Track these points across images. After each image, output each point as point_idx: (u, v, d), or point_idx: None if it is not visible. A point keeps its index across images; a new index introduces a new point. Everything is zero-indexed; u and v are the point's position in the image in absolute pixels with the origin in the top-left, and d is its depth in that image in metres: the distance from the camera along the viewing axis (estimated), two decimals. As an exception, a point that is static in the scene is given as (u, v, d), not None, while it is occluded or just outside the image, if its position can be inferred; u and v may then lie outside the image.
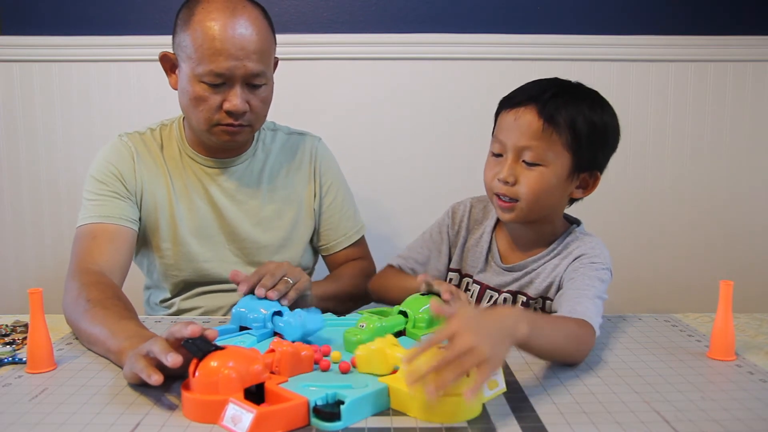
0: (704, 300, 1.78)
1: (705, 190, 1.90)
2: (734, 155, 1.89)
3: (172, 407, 0.77)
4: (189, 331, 0.77)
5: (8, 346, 1.00)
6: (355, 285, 1.30)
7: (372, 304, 1.33)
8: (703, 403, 0.78)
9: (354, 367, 0.85)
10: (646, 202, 1.90)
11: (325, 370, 0.85)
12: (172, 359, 0.75)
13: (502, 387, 0.79)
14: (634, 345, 0.99)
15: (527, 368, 0.89)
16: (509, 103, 1.07)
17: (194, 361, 0.75)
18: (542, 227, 1.12)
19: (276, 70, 1.26)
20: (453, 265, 1.21)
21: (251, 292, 1.02)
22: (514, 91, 1.09)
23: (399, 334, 0.99)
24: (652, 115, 1.87)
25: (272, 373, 0.80)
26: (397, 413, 0.75)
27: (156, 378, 0.76)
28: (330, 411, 0.71)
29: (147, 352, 0.79)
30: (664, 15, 1.82)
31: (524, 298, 1.12)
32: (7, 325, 1.11)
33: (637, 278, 1.92)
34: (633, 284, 1.92)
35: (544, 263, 1.11)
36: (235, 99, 1.14)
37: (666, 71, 1.85)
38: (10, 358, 0.93)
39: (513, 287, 1.13)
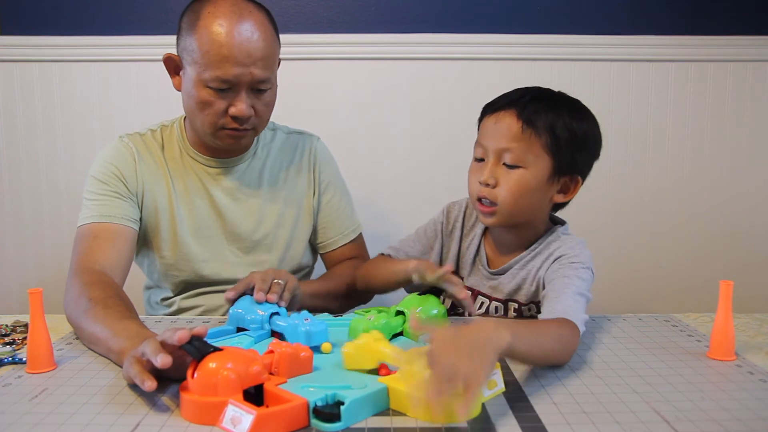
0: (704, 300, 1.77)
1: (705, 190, 1.90)
2: (734, 155, 1.89)
3: (171, 408, 0.77)
4: (177, 338, 0.76)
5: (8, 346, 1.00)
6: (348, 283, 1.30)
7: (368, 304, 1.33)
8: (703, 403, 0.78)
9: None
10: (646, 201, 1.90)
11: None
12: (162, 360, 0.75)
13: (501, 387, 0.80)
14: (634, 345, 0.99)
15: (527, 368, 0.89)
16: (490, 108, 1.10)
17: (193, 362, 0.75)
18: (526, 232, 1.13)
19: (277, 70, 1.26)
20: None
21: (237, 299, 1.03)
22: (496, 98, 1.11)
23: (397, 334, 0.99)
24: (652, 115, 1.87)
25: (271, 374, 0.80)
26: (397, 413, 0.75)
27: (149, 384, 0.76)
28: (330, 412, 0.71)
29: (141, 354, 0.79)
30: (664, 15, 1.82)
31: (516, 305, 1.12)
32: (7, 325, 1.11)
33: (637, 278, 1.92)
34: (633, 284, 1.92)
35: (527, 264, 1.11)
36: (241, 104, 1.15)
37: (666, 71, 1.85)
38: (10, 358, 0.93)
39: (501, 294, 1.13)
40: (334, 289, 1.28)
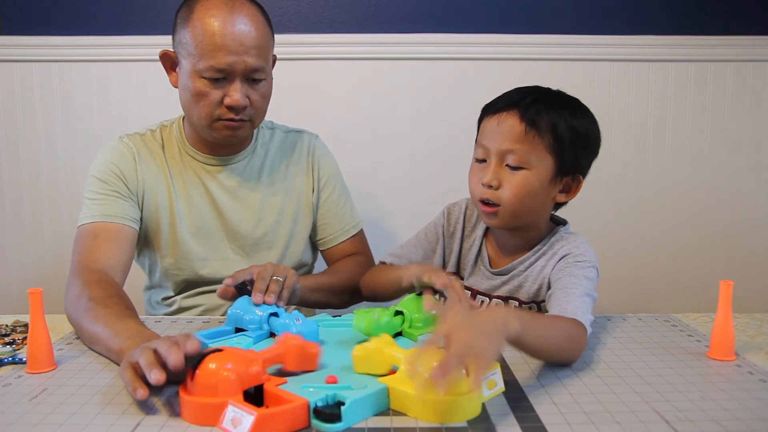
0: (704, 300, 1.78)
1: (705, 190, 1.90)
2: (734, 155, 1.89)
3: (172, 408, 0.77)
4: (171, 366, 0.74)
5: (8, 346, 1.00)
6: (350, 278, 1.30)
7: (368, 303, 1.33)
8: (703, 403, 0.78)
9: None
10: (646, 201, 1.90)
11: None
12: (155, 377, 0.74)
13: (501, 387, 0.80)
14: (634, 345, 0.99)
15: (527, 368, 0.89)
16: (491, 109, 1.09)
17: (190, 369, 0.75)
18: (528, 233, 1.12)
19: (276, 70, 1.26)
20: (450, 269, 1.21)
21: (238, 285, 1.03)
22: (496, 98, 1.11)
23: (396, 334, 0.99)
24: (652, 115, 1.87)
25: (279, 372, 0.80)
26: (397, 413, 0.75)
27: (141, 393, 0.75)
28: (330, 412, 0.71)
29: (136, 362, 0.79)
30: (664, 15, 1.82)
31: (516, 303, 1.12)
32: (7, 325, 1.11)
33: (637, 278, 1.93)
34: (633, 284, 1.92)
35: (531, 265, 1.11)
36: (236, 94, 1.16)
37: (666, 71, 1.85)
38: (10, 358, 0.93)
39: (503, 292, 1.13)
40: (335, 284, 1.29)
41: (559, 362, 0.90)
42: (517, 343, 0.80)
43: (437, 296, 1.10)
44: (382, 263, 1.23)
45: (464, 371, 0.73)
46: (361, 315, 0.96)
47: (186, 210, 1.28)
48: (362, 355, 0.82)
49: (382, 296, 1.20)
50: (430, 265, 1.17)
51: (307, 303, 1.24)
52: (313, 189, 1.37)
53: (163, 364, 0.76)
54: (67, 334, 1.06)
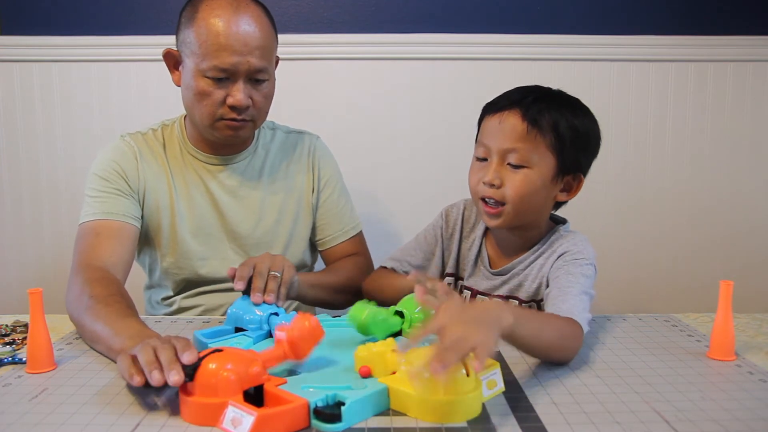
0: (704, 300, 1.78)
1: (705, 189, 1.90)
2: (734, 155, 1.89)
3: (172, 408, 0.77)
4: (172, 383, 0.73)
5: (8, 346, 1.00)
6: (349, 278, 1.30)
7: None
8: (703, 403, 0.78)
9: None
10: (646, 201, 1.90)
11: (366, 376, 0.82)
12: (156, 379, 0.73)
13: (501, 387, 0.80)
14: (634, 345, 0.99)
15: (527, 368, 0.89)
16: (493, 108, 1.09)
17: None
18: (528, 232, 1.13)
19: (276, 70, 1.26)
20: (449, 270, 1.21)
21: (248, 285, 1.02)
22: (497, 97, 1.11)
23: (396, 334, 0.99)
24: (652, 115, 1.87)
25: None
26: (397, 413, 0.75)
27: (138, 379, 0.75)
28: (331, 412, 0.71)
29: (135, 357, 0.78)
30: (665, 15, 1.82)
31: (515, 303, 1.12)
32: (7, 325, 1.11)
33: (637, 278, 1.93)
34: (633, 284, 1.92)
35: (530, 264, 1.11)
36: (239, 94, 1.16)
37: (666, 71, 1.85)
38: (10, 358, 0.93)
39: (503, 291, 1.14)
40: (334, 283, 1.29)
41: (553, 361, 0.90)
42: (511, 338, 0.80)
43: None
44: (383, 268, 1.23)
45: (464, 371, 0.73)
46: (359, 307, 0.96)
47: (187, 209, 1.28)
48: (365, 356, 0.82)
49: (386, 303, 1.20)
50: (426, 274, 1.17)
51: (306, 299, 1.24)
52: (313, 189, 1.37)
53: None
54: (67, 334, 1.06)
